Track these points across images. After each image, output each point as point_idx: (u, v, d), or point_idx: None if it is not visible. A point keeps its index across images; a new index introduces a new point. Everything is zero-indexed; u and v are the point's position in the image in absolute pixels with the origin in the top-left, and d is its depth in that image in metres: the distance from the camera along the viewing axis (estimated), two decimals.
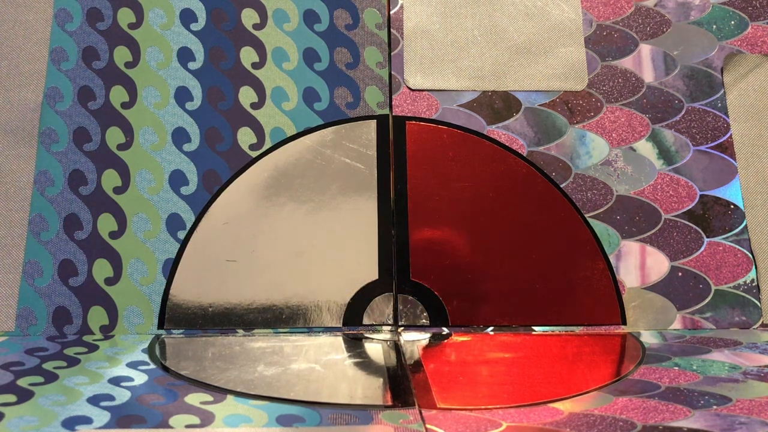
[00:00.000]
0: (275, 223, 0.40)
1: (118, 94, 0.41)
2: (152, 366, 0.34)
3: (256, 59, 0.42)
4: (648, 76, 0.43)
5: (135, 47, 0.42)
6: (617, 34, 0.44)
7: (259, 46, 0.43)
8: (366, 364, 0.35)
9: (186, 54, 0.42)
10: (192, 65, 0.42)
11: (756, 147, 0.42)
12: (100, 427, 0.28)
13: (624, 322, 0.39)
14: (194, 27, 0.43)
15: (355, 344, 0.38)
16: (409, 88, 0.42)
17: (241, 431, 0.28)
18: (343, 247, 0.40)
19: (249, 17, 0.43)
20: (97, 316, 0.38)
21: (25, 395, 0.31)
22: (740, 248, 0.40)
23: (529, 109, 0.42)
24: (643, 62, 0.43)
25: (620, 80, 0.43)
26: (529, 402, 0.32)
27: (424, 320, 0.39)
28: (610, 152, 0.42)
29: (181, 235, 0.39)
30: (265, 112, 0.42)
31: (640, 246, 0.40)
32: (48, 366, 0.34)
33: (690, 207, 0.41)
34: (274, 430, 0.28)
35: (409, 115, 0.42)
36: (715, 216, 0.41)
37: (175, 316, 0.38)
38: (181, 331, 0.38)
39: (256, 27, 0.43)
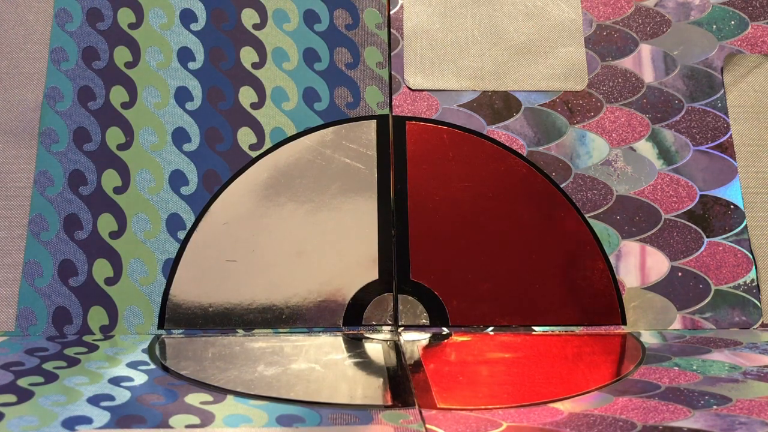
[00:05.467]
0: (275, 223, 0.40)
1: (118, 94, 0.41)
2: (152, 366, 0.34)
3: (256, 59, 0.42)
4: (648, 76, 0.43)
5: (135, 47, 0.42)
6: (617, 34, 0.44)
7: (259, 46, 0.43)
8: (366, 364, 0.35)
9: (186, 54, 0.42)
10: (192, 65, 0.42)
11: (756, 147, 0.42)
12: (100, 427, 0.28)
13: (624, 322, 0.39)
14: (194, 27, 0.43)
15: (355, 344, 0.38)
16: (409, 88, 0.42)
17: (241, 431, 0.28)
18: (343, 247, 0.40)
19: (249, 17, 0.43)
20: (97, 316, 0.38)
21: (25, 395, 0.31)
22: (740, 248, 0.40)
23: (529, 109, 0.42)
24: (643, 62, 0.43)
25: (620, 80, 0.43)
26: (529, 402, 0.32)
27: (424, 320, 0.39)
28: (610, 152, 0.42)
29: (181, 235, 0.39)
30: (265, 112, 0.42)
31: (640, 246, 0.40)
32: (48, 366, 0.34)
33: (690, 207, 0.41)
34: (274, 430, 0.28)
35: (409, 115, 0.42)
36: (715, 216, 0.41)
37: (175, 316, 0.38)
38: (181, 331, 0.38)
39: (256, 27, 0.43)
